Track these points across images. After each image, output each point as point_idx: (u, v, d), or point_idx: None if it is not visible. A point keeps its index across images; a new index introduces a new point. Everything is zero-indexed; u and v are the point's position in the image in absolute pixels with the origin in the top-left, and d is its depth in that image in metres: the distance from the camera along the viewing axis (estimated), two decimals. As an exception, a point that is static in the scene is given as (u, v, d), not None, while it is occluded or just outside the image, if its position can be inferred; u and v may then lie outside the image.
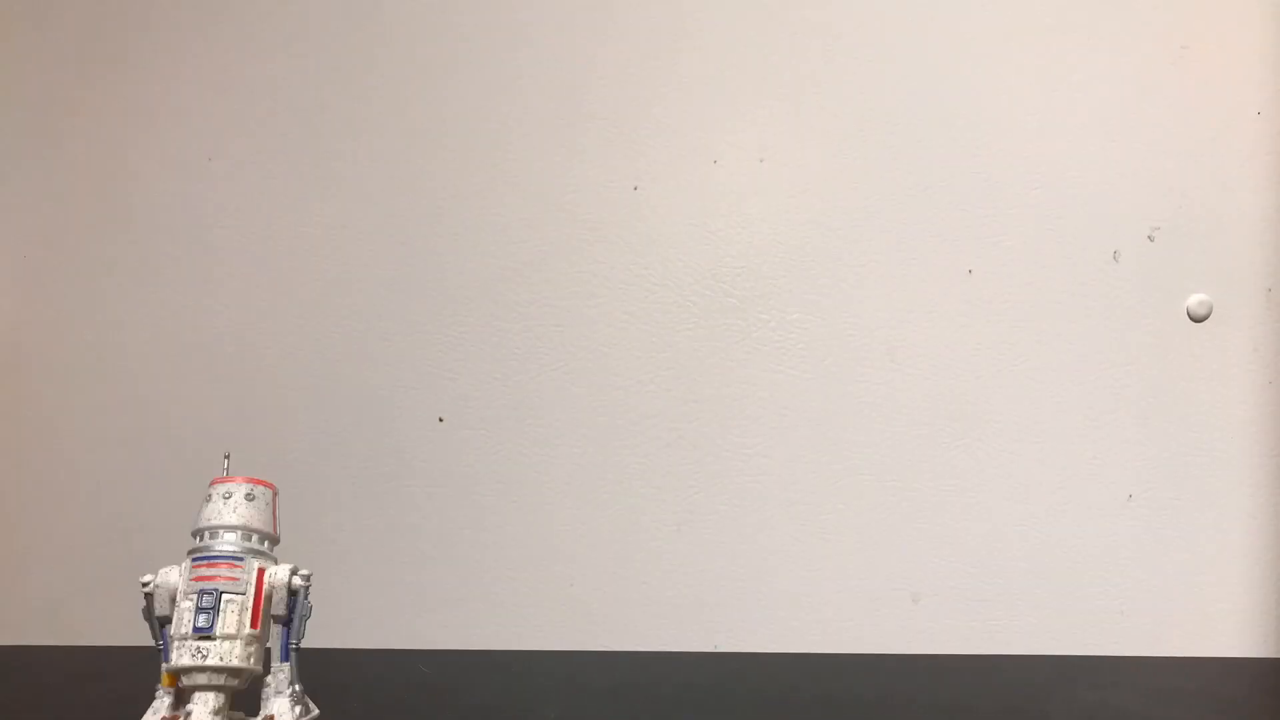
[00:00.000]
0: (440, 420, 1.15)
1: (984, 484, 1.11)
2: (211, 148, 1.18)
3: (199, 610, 0.68)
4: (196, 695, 0.67)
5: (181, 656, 0.67)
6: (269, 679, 0.70)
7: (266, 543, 0.72)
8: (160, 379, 1.19)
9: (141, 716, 0.70)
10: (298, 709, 0.71)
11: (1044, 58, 1.10)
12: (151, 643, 0.71)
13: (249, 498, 0.72)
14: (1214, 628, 1.10)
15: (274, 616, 0.70)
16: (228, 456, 0.77)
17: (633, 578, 1.14)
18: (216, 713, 0.67)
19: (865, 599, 1.12)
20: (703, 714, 0.77)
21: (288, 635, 0.71)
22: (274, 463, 1.17)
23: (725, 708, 0.79)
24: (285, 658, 0.71)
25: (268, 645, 0.71)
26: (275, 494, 0.74)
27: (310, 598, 0.72)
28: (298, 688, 0.71)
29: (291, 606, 0.71)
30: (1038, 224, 1.10)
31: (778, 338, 1.12)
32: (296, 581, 0.71)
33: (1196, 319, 1.10)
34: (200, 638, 0.67)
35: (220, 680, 0.67)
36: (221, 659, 0.67)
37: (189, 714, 0.67)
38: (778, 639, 1.12)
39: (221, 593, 0.68)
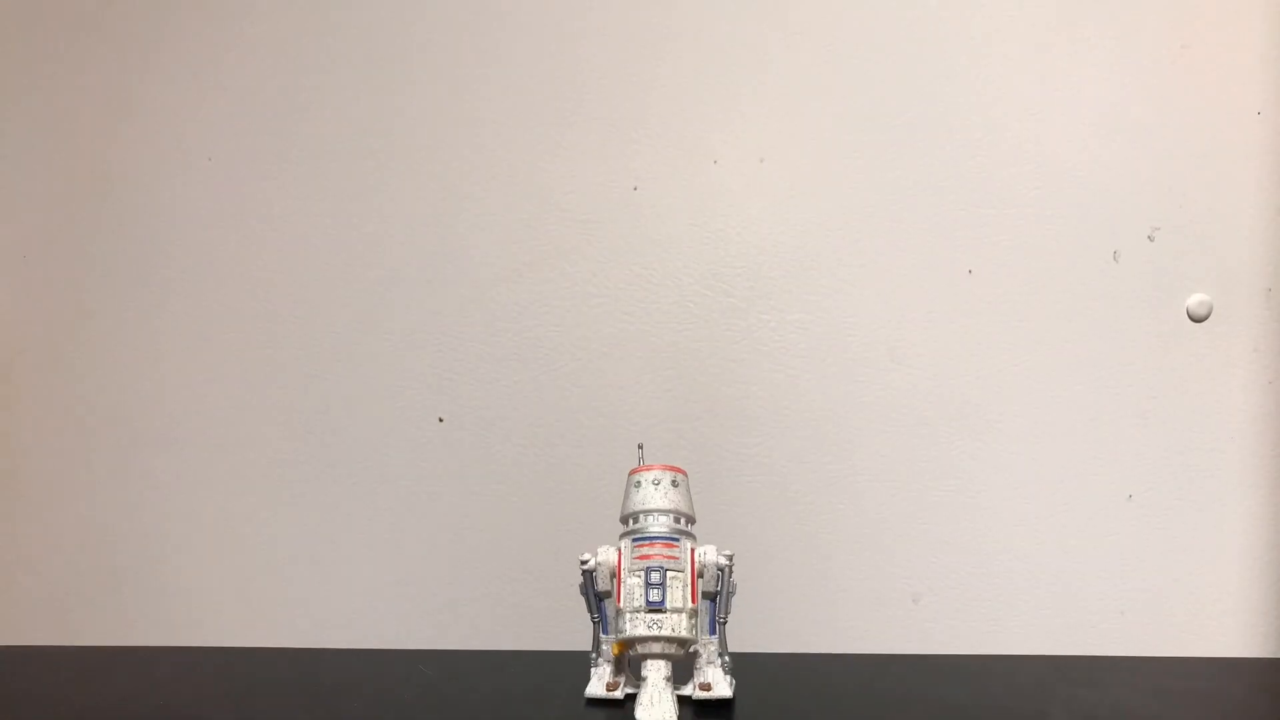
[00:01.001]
0: (440, 420, 1.16)
1: (984, 484, 1.11)
2: (211, 148, 1.18)
3: (649, 586, 0.76)
4: (649, 663, 0.75)
5: (636, 627, 0.75)
6: (700, 649, 0.78)
7: (690, 524, 0.80)
8: (160, 379, 1.19)
9: (588, 684, 0.80)
10: (729, 678, 0.79)
11: (1044, 58, 1.10)
12: (588, 615, 0.82)
13: (674, 484, 0.80)
14: (1214, 628, 1.10)
15: (704, 593, 0.78)
16: (641, 446, 0.85)
17: (633, 578, 1.14)
18: (668, 678, 0.75)
19: (865, 599, 1.12)
20: (703, 714, 0.77)
21: (714, 609, 0.79)
22: (274, 462, 1.18)
23: (726, 708, 0.79)
24: (713, 630, 0.79)
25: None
26: (687, 478, 0.82)
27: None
28: (727, 658, 0.79)
29: (719, 582, 0.78)
30: (1038, 224, 1.10)
31: (778, 338, 1.12)
32: (723, 560, 0.78)
33: (1196, 319, 1.10)
34: (652, 610, 0.75)
35: (671, 649, 0.75)
36: (674, 630, 0.75)
37: (644, 679, 0.75)
38: (778, 639, 1.12)
39: (667, 570, 0.76)
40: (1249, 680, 0.91)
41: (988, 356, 1.11)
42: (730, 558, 0.79)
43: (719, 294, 1.13)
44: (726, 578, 0.78)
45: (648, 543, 0.78)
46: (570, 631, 1.15)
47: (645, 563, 0.77)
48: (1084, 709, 0.80)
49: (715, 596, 0.79)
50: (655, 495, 0.80)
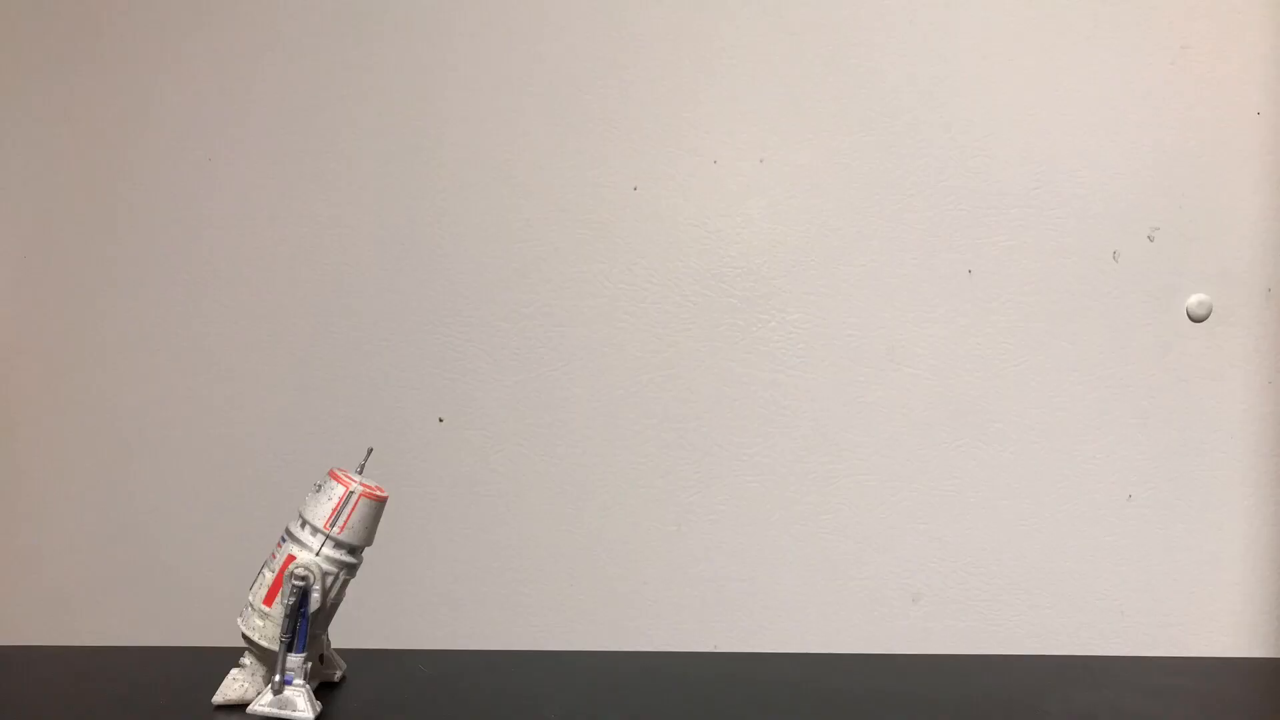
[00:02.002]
0: (440, 420, 1.16)
1: (984, 484, 1.11)
2: (211, 148, 1.18)
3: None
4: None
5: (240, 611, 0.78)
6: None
7: (312, 532, 0.77)
8: (160, 379, 1.19)
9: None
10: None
11: (1044, 58, 1.10)
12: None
13: (318, 489, 0.77)
14: (1214, 628, 1.10)
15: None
16: (370, 450, 0.83)
17: (632, 578, 1.14)
18: (240, 666, 0.77)
19: (865, 599, 1.12)
20: (703, 714, 0.77)
21: (285, 624, 0.75)
22: (274, 462, 1.18)
23: (725, 708, 0.78)
24: (288, 647, 0.76)
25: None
26: (333, 481, 0.78)
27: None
28: (298, 682, 0.76)
29: (285, 597, 0.76)
30: (1038, 224, 1.10)
31: (778, 338, 1.12)
32: (291, 574, 0.75)
33: (1196, 319, 1.10)
34: (247, 604, 0.77)
35: (245, 642, 0.77)
36: (241, 620, 0.76)
37: None
38: (778, 639, 1.12)
39: (265, 564, 0.77)
40: (1249, 680, 0.91)
41: (988, 356, 1.11)
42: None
43: (719, 294, 1.13)
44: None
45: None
46: (570, 631, 1.15)
47: None
48: (1084, 709, 0.80)
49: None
50: None
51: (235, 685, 0.77)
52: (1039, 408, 1.10)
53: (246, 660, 0.78)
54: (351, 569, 0.77)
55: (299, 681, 0.75)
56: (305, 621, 0.75)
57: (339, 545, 0.76)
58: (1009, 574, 1.11)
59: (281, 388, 1.17)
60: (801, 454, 1.12)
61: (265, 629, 0.76)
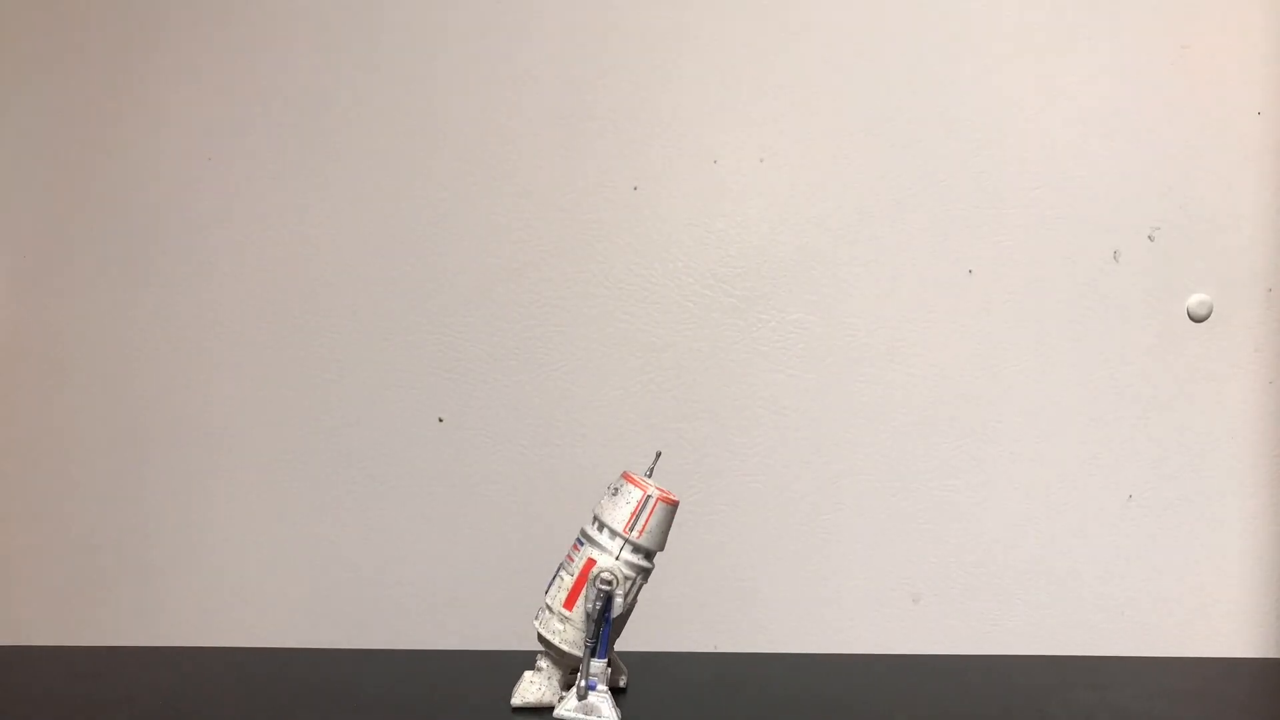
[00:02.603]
0: (440, 420, 1.16)
1: (984, 484, 1.11)
2: (211, 148, 1.18)
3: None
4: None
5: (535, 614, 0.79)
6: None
7: (611, 536, 0.76)
8: (160, 378, 1.19)
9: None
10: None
11: (1044, 58, 1.10)
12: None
13: (614, 492, 0.77)
14: (1214, 628, 1.10)
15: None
16: (659, 454, 0.82)
17: (633, 578, 1.14)
18: (537, 670, 0.77)
19: (865, 599, 1.12)
20: (703, 714, 0.77)
21: (588, 630, 0.74)
22: (274, 462, 1.18)
23: (725, 708, 0.79)
24: (592, 652, 0.75)
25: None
26: (631, 485, 0.77)
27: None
28: (600, 687, 0.75)
29: (590, 603, 0.75)
30: (1038, 224, 1.10)
31: (778, 338, 1.12)
32: (597, 580, 0.74)
33: (1197, 319, 1.10)
34: (545, 606, 0.76)
35: (541, 645, 0.77)
36: (539, 623, 0.76)
37: None
38: (778, 639, 1.12)
39: (562, 567, 0.76)
40: (1249, 680, 0.91)
41: (988, 356, 1.11)
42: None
43: (719, 294, 1.13)
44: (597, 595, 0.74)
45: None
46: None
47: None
48: (1084, 709, 0.80)
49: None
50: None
51: (533, 688, 0.77)
52: (1039, 407, 1.10)
53: (543, 664, 0.77)
54: (646, 574, 0.76)
55: (601, 687, 0.74)
56: (608, 626, 0.74)
57: (637, 549, 0.75)
58: (1009, 574, 1.11)
59: (282, 387, 1.17)
60: (801, 454, 1.12)
61: (565, 633, 0.75)
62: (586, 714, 0.73)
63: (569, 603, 0.75)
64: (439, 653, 0.99)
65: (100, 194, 1.20)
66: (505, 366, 1.15)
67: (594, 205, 1.14)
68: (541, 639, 0.76)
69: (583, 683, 0.73)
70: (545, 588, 0.78)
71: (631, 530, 0.74)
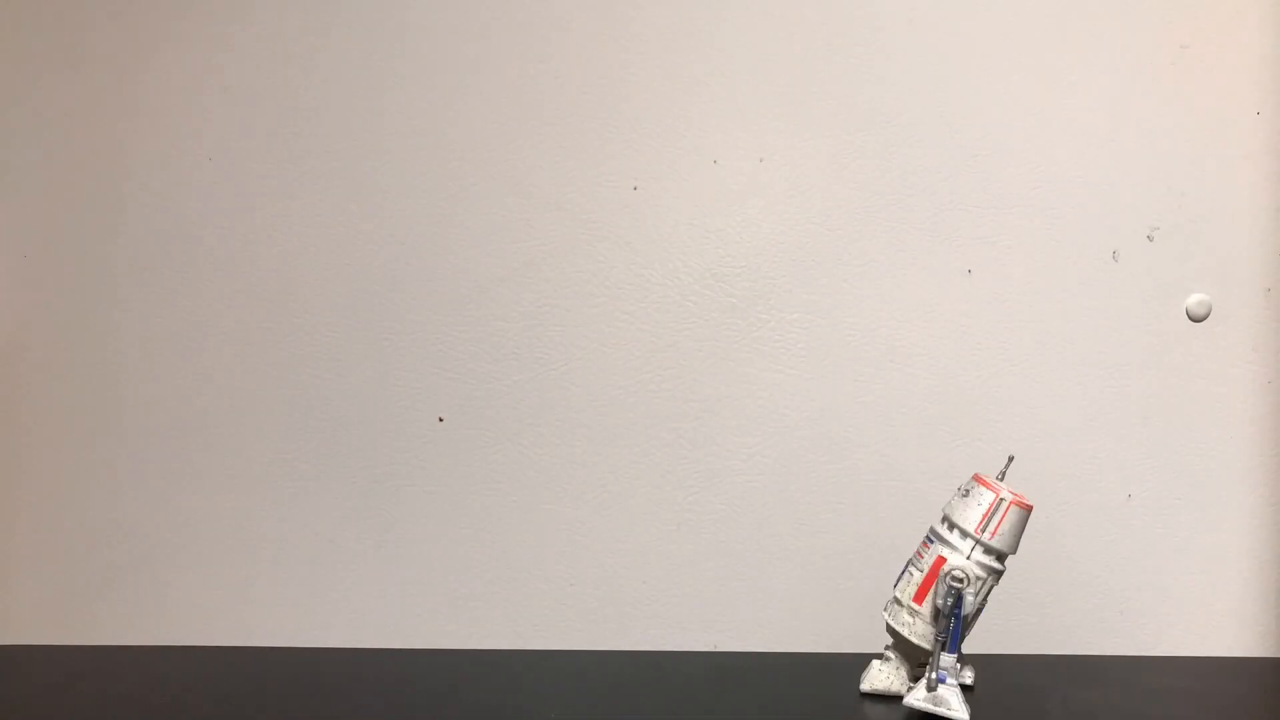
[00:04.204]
0: (440, 420, 1.16)
1: (984, 484, 1.11)
2: (211, 148, 1.18)
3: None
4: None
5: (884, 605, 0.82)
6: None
7: (962, 536, 0.78)
8: (160, 379, 1.19)
9: None
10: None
11: (1044, 57, 1.10)
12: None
13: (965, 494, 0.79)
14: (1214, 627, 1.10)
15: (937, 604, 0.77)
16: (1011, 459, 0.83)
17: (633, 578, 1.14)
18: (884, 659, 0.81)
19: (865, 599, 1.12)
20: (703, 714, 0.77)
21: (939, 625, 0.76)
22: (274, 462, 1.18)
23: (725, 708, 0.79)
24: (943, 647, 0.76)
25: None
26: (985, 489, 0.78)
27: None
28: (950, 681, 0.76)
29: (942, 599, 0.76)
30: (1037, 224, 1.10)
31: (778, 338, 1.12)
32: (948, 577, 0.76)
33: (1196, 319, 1.10)
34: (894, 599, 0.81)
35: (890, 635, 0.81)
36: (888, 614, 0.80)
37: None
38: (778, 639, 1.12)
39: (911, 562, 0.80)
40: (1249, 680, 0.91)
41: (987, 356, 1.11)
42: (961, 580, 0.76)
43: (719, 294, 1.13)
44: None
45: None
46: (570, 631, 1.15)
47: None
48: (1083, 709, 0.80)
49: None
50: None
51: (881, 676, 0.81)
52: (1038, 407, 1.10)
53: (891, 654, 0.81)
54: (998, 576, 0.78)
55: (951, 681, 0.76)
56: (959, 623, 0.76)
57: (988, 551, 0.77)
58: (1008, 573, 1.10)
59: (282, 386, 1.17)
60: (801, 454, 1.12)
61: (915, 625, 0.78)
62: (935, 705, 0.75)
63: (918, 597, 0.78)
64: (439, 652, 0.99)
65: (100, 194, 1.20)
66: (505, 366, 1.15)
67: (594, 205, 1.14)
68: (891, 630, 0.80)
69: (933, 675, 0.75)
70: (894, 582, 0.81)
71: (983, 531, 0.77)
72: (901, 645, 0.80)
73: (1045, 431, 1.10)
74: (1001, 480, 0.79)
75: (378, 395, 1.16)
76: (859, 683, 0.82)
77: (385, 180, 1.16)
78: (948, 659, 0.76)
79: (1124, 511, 1.10)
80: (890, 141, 1.11)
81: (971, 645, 1.11)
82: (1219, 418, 1.09)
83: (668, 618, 1.13)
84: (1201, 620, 1.10)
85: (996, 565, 0.78)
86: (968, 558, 0.77)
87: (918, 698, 0.76)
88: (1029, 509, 0.78)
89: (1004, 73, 1.10)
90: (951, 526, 0.78)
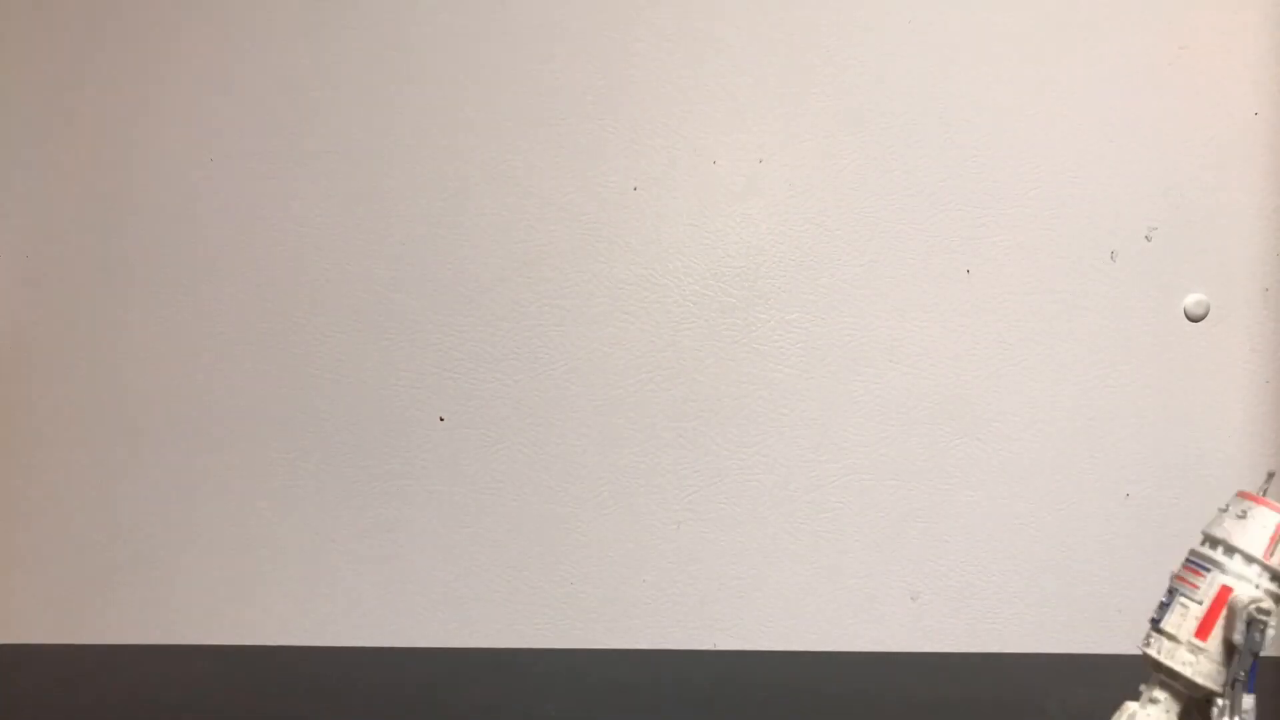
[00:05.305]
0: (440, 420, 1.16)
1: (983, 483, 1.11)
2: (211, 148, 1.18)
3: (1161, 603, 0.72)
4: (1144, 685, 0.72)
5: (1145, 641, 0.72)
6: (1219, 702, 0.69)
7: (1246, 562, 0.71)
8: (160, 379, 1.19)
9: None
10: None
11: (1043, 58, 1.10)
12: None
13: (1241, 515, 0.71)
14: (1212, 626, 1.10)
15: (1230, 640, 0.69)
16: (1271, 475, 0.75)
17: (633, 577, 1.14)
18: (1151, 701, 0.71)
19: (865, 598, 1.12)
20: (702, 712, 0.77)
21: (1237, 665, 0.69)
22: (274, 461, 1.18)
23: (725, 706, 0.79)
24: (1244, 688, 0.69)
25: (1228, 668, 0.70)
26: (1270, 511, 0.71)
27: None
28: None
29: (1244, 636, 0.68)
30: (1036, 224, 1.11)
31: (778, 338, 1.13)
32: (1250, 612, 0.68)
33: (1194, 319, 1.10)
34: (1153, 628, 0.71)
35: (1162, 676, 0.71)
36: (1159, 653, 0.70)
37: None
38: (778, 638, 1.12)
39: (1178, 592, 0.71)
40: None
41: (986, 356, 1.11)
42: (1266, 614, 0.68)
43: (719, 294, 1.13)
44: (1253, 634, 0.68)
45: (1189, 566, 0.73)
46: (570, 630, 1.16)
47: (1172, 582, 0.73)
48: (1082, 707, 0.80)
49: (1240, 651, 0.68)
50: (1222, 520, 0.73)
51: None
52: (1037, 407, 1.11)
53: (1159, 694, 0.72)
54: None
55: None
56: (1257, 661, 0.69)
57: (1275, 577, 0.70)
58: (1007, 573, 1.11)
59: (282, 386, 1.17)
60: (801, 454, 1.12)
61: (1199, 664, 0.69)
62: None
63: (1201, 632, 0.70)
64: (439, 652, 0.99)
65: (103, 194, 1.20)
66: (505, 366, 1.15)
67: (594, 205, 1.14)
68: (1163, 668, 0.71)
69: (1235, 719, 0.69)
70: (1155, 615, 0.73)
71: (1272, 556, 0.70)
72: (1174, 685, 0.71)
73: (1044, 431, 1.10)
74: (1264, 494, 0.72)
75: (378, 395, 1.16)
76: None
77: (386, 180, 1.16)
78: (1249, 701, 0.69)
79: (1122, 510, 1.10)
80: (889, 142, 1.11)
81: (971, 642, 1.11)
82: (1218, 418, 1.09)
83: (668, 618, 1.14)
84: (1200, 619, 1.10)
85: None
86: (1256, 587, 0.69)
87: None
88: None
89: (1003, 73, 1.10)
90: (1230, 551, 0.70)
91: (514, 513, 1.15)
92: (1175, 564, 1.08)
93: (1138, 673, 0.87)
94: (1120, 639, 1.10)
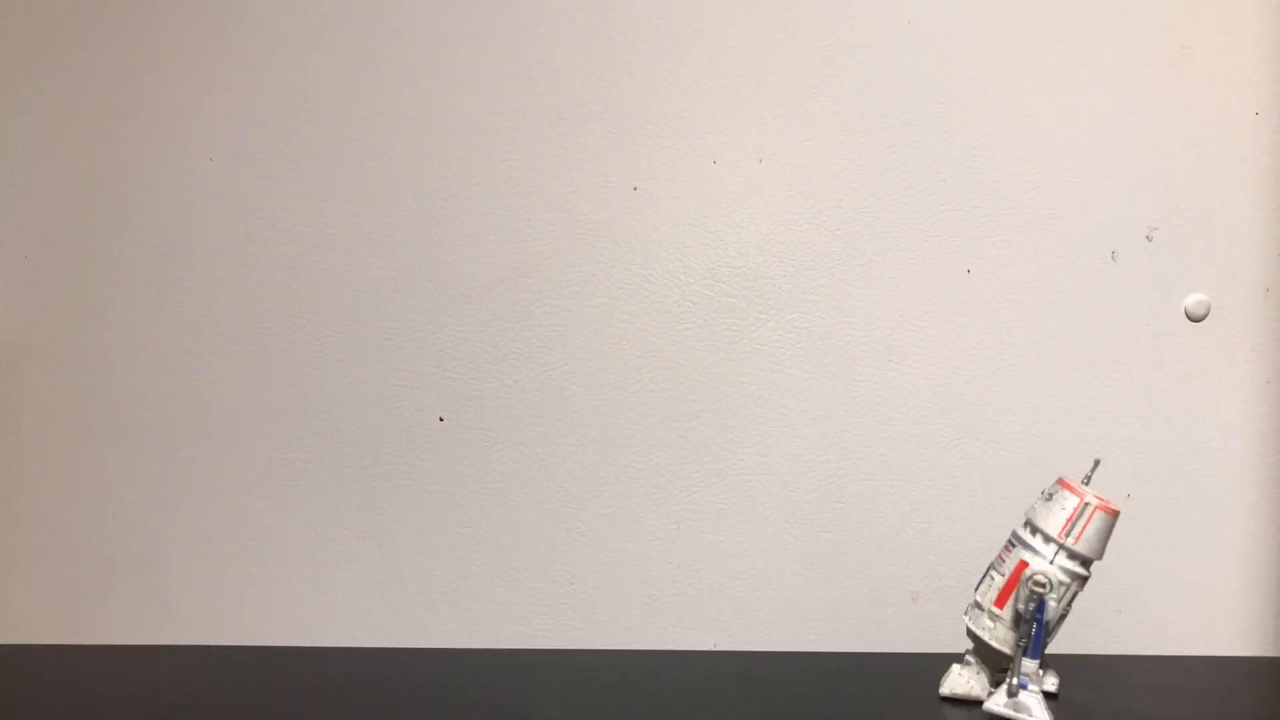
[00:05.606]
0: (440, 420, 1.16)
1: (983, 484, 1.11)
2: (211, 148, 1.18)
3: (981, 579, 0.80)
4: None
5: (965, 610, 0.81)
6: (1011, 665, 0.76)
7: (1045, 541, 0.77)
8: (160, 378, 1.19)
9: None
10: (1034, 712, 0.75)
11: (1043, 57, 1.10)
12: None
13: (1048, 498, 0.78)
14: (1212, 627, 1.10)
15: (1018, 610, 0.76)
16: (1098, 462, 0.82)
17: (633, 577, 1.14)
18: (965, 664, 0.80)
19: (865, 598, 1.12)
20: (702, 713, 0.77)
21: (1021, 631, 0.76)
22: (274, 461, 1.18)
23: (725, 707, 0.79)
24: (1024, 653, 0.75)
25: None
26: (1069, 493, 0.77)
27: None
28: (1032, 688, 0.75)
29: (1023, 604, 0.75)
30: (1036, 224, 1.11)
31: (777, 338, 1.13)
32: (1030, 584, 0.75)
33: (1194, 319, 1.10)
34: (974, 603, 0.80)
35: (971, 641, 0.80)
36: (970, 620, 0.79)
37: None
38: (778, 639, 1.12)
39: (993, 566, 0.79)
40: (1249, 680, 0.92)
41: (986, 356, 1.11)
42: (1044, 585, 0.76)
43: (719, 294, 1.13)
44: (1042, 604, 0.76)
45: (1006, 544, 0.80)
46: (570, 631, 1.16)
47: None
48: (1083, 708, 0.80)
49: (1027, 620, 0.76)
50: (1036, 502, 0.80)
51: (961, 680, 0.80)
52: (1037, 407, 1.11)
53: (971, 659, 0.81)
54: (1082, 581, 0.77)
55: (1033, 687, 0.75)
56: (1041, 629, 0.75)
57: (1072, 556, 0.76)
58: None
59: (282, 386, 1.17)
60: (801, 454, 1.12)
61: (995, 630, 0.77)
62: (1016, 711, 0.74)
63: (1000, 601, 0.77)
64: (439, 652, 0.99)
65: (101, 194, 1.20)
66: (505, 366, 1.15)
67: (594, 205, 1.14)
68: (971, 634, 0.79)
69: (1014, 681, 0.75)
70: (974, 585, 0.80)
71: (1067, 536, 0.76)
72: (982, 650, 0.79)
73: (1044, 431, 1.10)
74: (1087, 484, 0.78)
75: (378, 395, 1.16)
76: (939, 686, 0.81)
77: (386, 180, 1.16)
78: (1029, 665, 0.75)
79: (1122, 510, 1.10)
80: (890, 142, 1.11)
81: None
82: (1218, 418, 1.09)
83: (668, 618, 1.14)
84: (1200, 619, 1.10)
85: (1080, 570, 0.76)
86: (1050, 562, 0.76)
87: (998, 703, 0.75)
88: (1115, 514, 0.77)
89: (1003, 73, 1.10)
90: (1034, 531, 0.77)
91: (514, 513, 1.15)
92: (1174, 564, 1.09)
93: (1140, 674, 0.87)
94: (1123, 640, 1.10)
